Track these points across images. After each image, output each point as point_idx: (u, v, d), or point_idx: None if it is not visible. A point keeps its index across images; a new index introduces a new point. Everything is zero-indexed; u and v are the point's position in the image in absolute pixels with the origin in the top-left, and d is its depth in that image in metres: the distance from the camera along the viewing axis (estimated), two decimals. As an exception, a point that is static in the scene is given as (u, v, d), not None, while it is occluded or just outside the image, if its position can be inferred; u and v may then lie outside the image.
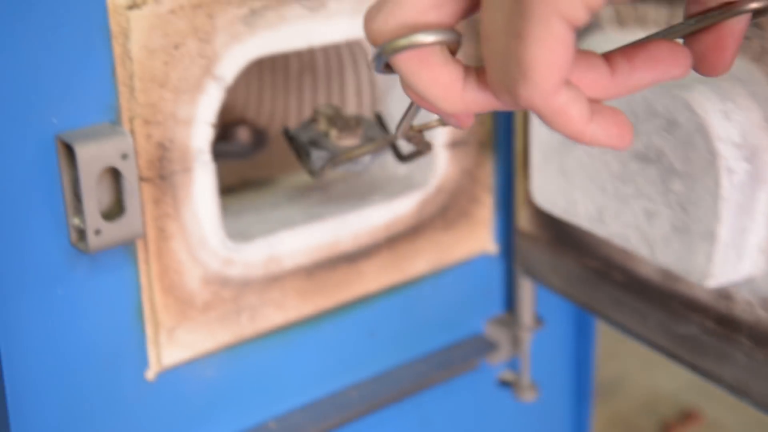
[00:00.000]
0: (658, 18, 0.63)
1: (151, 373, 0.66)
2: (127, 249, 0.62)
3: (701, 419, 1.46)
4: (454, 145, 0.78)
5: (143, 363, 0.65)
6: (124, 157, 0.59)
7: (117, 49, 0.58)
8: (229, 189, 0.78)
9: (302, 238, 0.71)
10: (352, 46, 0.83)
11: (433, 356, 0.81)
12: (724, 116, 0.57)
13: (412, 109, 0.44)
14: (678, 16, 0.61)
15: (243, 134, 0.91)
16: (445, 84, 0.35)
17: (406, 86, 0.36)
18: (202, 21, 0.61)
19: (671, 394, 1.49)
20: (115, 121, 0.60)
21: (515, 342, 0.85)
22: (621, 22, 0.66)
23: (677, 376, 1.44)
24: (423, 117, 0.51)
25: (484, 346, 0.84)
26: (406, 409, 0.81)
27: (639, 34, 0.51)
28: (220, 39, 0.63)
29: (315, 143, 0.69)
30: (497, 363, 0.86)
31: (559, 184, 0.70)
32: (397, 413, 0.81)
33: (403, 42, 0.34)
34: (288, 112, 0.93)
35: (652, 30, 0.60)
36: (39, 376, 0.61)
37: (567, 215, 0.71)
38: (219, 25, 0.62)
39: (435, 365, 0.81)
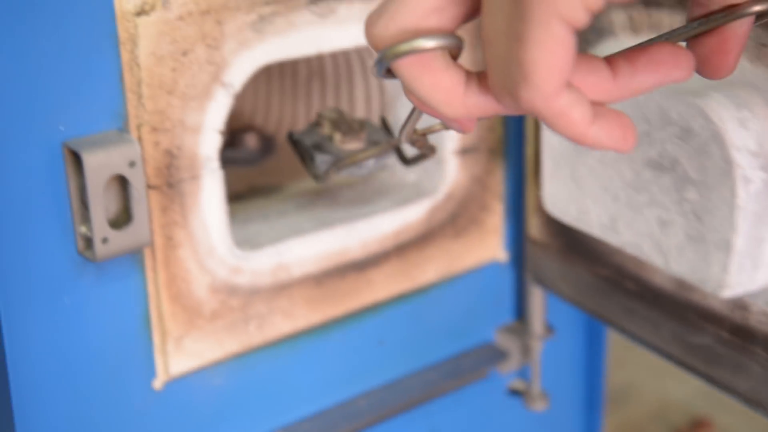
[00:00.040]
0: (673, 24, 0.62)
1: (158, 383, 0.65)
2: (134, 257, 0.62)
3: (712, 427, 1.44)
4: (464, 152, 0.77)
5: (150, 372, 0.65)
6: (132, 164, 0.58)
7: (125, 56, 0.58)
8: (237, 196, 0.78)
9: (311, 246, 0.71)
10: (361, 52, 0.83)
11: (443, 365, 0.81)
12: (740, 124, 0.56)
13: (415, 113, 0.44)
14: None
15: (251, 141, 0.91)
16: (446, 88, 0.35)
17: (408, 91, 0.36)
18: (210, 27, 0.61)
19: (682, 401, 1.48)
20: (123, 129, 0.59)
21: (525, 351, 0.84)
22: (635, 28, 0.65)
23: (688, 383, 1.43)
24: (427, 121, 0.51)
25: (494, 354, 0.83)
26: (415, 418, 0.81)
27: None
28: (229, 45, 0.62)
29: (319, 147, 0.69)
30: (507, 372, 0.85)
31: (571, 191, 0.70)
32: (407, 422, 0.80)
33: (405, 47, 0.34)
34: (296, 118, 0.93)
35: (666, 36, 0.60)
36: (45, 386, 0.61)
37: (579, 223, 0.70)
38: (228, 31, 0.62)
39: (444, 374, 0.80)
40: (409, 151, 0.71)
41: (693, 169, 0.59)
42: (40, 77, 0.56)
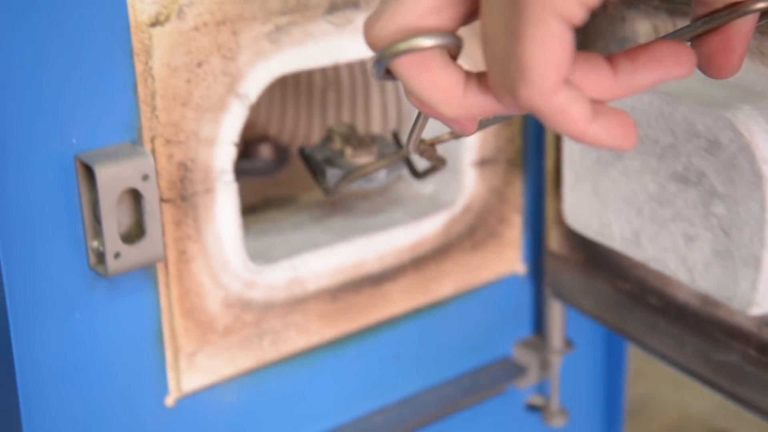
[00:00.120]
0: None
1: (170, 400, 0.64)
2: (147, 272, 0.61)
3: (731, 441, 1.42)
4: (483, 163, 0.76)
5: (163, 389, 0.64)
6: (145, 178, 0.57)
7: (139, 67, 0.57)
8: (251, 208, 0.77)
9: (326, 260, 0.69)
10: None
11: (460, 380, 0.79)
12: (770, 137, 0.55)
13: (420, 119, 0.44)
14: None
15: (265, 151, 0.89)
16: (445, 88, 0.35)
17: (408, 92, 0.36)
18: (226, 38, 0.60)
19: (701, 415, 1.46)
20: (136, 141, 0.58)
21: (544, 366, 0.83)
22: (659, 35, 0.64)
23: (708, 396, 1.41)
24: (435, 131, 0.50)
25: (512, 369, 0.82)
26: (431, 434, 0.79)
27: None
28: (245, 56, 0.61)
29: (330, 162, 0.69)
30: (525, 387, 0.83)
31: (592, 205, 0.68)
32: (423, 439, 0.78)
33: (403, 46, 0.34)
34: (311, 128, 0.91)
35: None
36: (56, 402, 0.60)
37: (601, 237, 0.68)
38: (243, 42, 0.60)
39: (461, 389, 0.79)
40: (420, 164, 0.70)
41: (720, 183, 0.57)
42: (53, 89, 0.55)
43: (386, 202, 0.78)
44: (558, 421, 0.85)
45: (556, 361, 0.83)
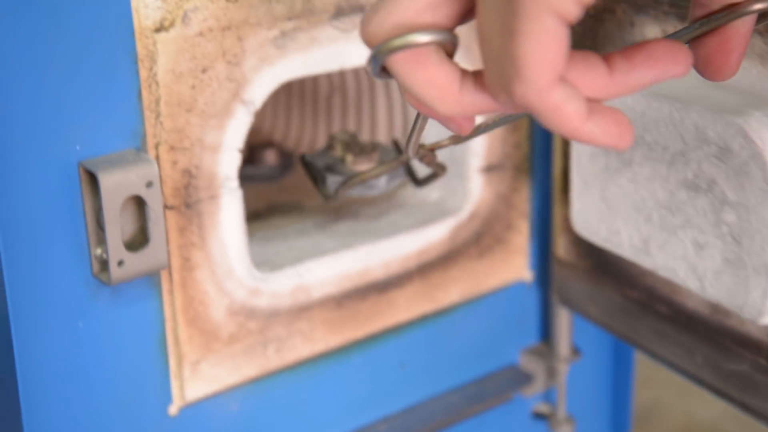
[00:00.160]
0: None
1: (174, 408, 0.64)
2: (151, 279, 0.60)
3: (738, 448, 1.41)
4: (489, 169, 0.75)
5: (166, 398, 0.63)
6: (149, 185, 0.56)
7: (143, 73, 0.56)
8: (255, 214, 0.76)
9: (331, 267, 0.69)
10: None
11: (466, 388, 0.79)
12: (782, 144, 0.54)
13: (419, 122, 0.44)
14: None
15: (270, 157, 0.89)
16: (441, 85, 0.35)
17: (404, 90, 0.36)
18: (231, 43, 0.59)
19: (708, 422, 1.45)
20: (140, 148, 0.58)
21: (551, 373, 0.82)
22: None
23: (715, 403, 1.40)
24: (435, 137, 0.50)
25: (518, 377, 0.81)
26: (437, 443, 0.78)
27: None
28: (250, 62, 0.60)
29: (331, 169, 0.69)
30: (532, 395, 0.83)
31: (601, 211, 0.67)
32: (429, 448, 0.78)
33: (398, 42, 0.34)
34: (316, 134, 0.91)
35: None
36: (58, 411, 0.59)
37: (609, 244, 0.67)
38: (248, 47, 0.60)
39: (468, 397, 0.78)
40: (421, 171, 0.70)
41: (731, 190, 0.57)
42: (56, 94, 0.54)
43: (392, 208, 0.77)
44: (565, 430, 0.84)
45: (563, 369, 0.82)
